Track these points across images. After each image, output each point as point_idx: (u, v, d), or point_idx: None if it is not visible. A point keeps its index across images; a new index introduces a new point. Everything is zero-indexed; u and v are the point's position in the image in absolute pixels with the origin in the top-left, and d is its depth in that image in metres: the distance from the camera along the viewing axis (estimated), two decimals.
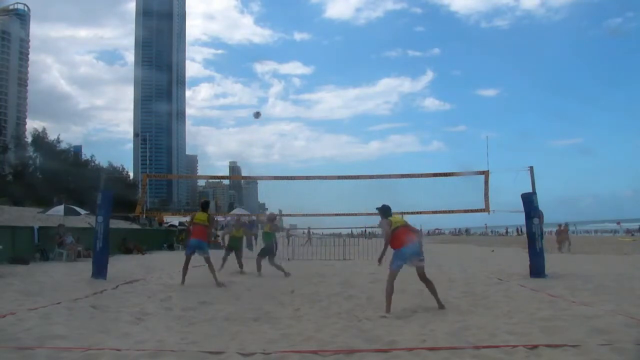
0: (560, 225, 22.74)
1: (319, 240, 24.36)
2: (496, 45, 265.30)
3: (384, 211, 6.94)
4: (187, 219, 33.46)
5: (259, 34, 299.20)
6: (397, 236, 6.64)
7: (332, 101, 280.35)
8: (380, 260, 6.96)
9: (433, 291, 6.81)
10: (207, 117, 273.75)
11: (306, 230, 29.30)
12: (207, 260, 9.59)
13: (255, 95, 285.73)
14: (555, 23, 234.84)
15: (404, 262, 6.67)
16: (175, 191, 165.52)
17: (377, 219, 7.21)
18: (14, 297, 7.48)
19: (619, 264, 13.99)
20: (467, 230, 71.43)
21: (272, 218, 12.65)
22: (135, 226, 31.21)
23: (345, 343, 4.75)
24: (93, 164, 49.69)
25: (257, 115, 12.91)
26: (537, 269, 10.13)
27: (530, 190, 10.71)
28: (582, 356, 4.10)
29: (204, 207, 10.31)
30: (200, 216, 9.85)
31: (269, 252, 11.66)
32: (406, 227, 6.80)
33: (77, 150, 56.68)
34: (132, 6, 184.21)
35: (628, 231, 45.82)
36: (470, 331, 5.12)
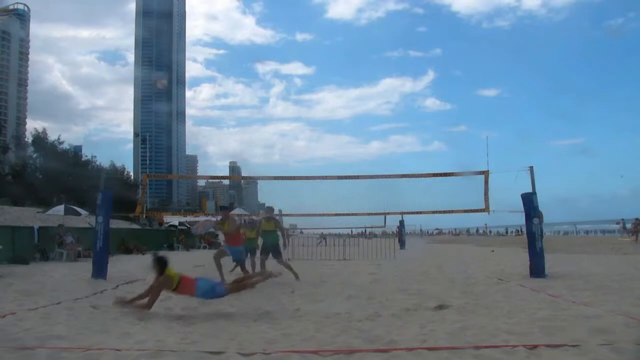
0: (638, 219, 23.17)
1: (317, 240, 24.40)
2: (497, 46, 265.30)
3: None
4: (186, 219, 33.53)
5: (260, 35, 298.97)
6: None
7: (333, 101, 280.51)
8: None
9: None
10: (208, 117, 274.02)
11: (320, 232, 29.25)
12: None
13: (256, 96, 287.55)
14: (557, 23, 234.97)
15: None
16: (175, 191, 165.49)
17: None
18: (14, 297, 7.48)
19: (619, 264, 13.98)
20: (476, 232, 70.29)
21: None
22: (135, 226, 31.24)
23: (345, 343, 4.75)
24: (93, 164, 49.67)
25: (160, 84, 12.62)
26: (537, 269, 10.14)
27: (530, 190, 10.71)
28: (582, 356, 4.10)
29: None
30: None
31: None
32: None
33: (78, 150, 56.68)
34: (133, 6, 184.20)
35: (626, 229, 45.53)
36: (470, 331, 5.12)
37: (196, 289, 6.59)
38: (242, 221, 12.73)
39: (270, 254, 10.66)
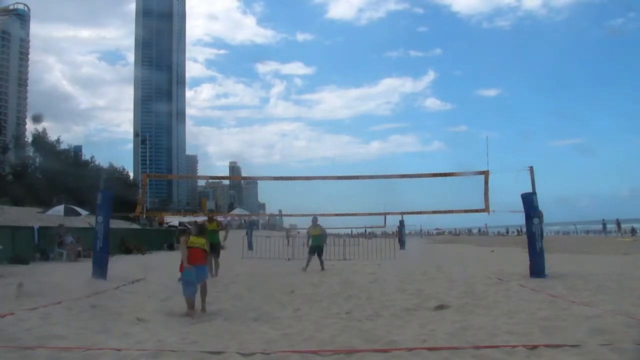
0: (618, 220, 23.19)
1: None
2: (497, 46, 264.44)
3: None
4: (187, 219, 33.55)
5: (261, 35, 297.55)
6: None
7: (334, 101, 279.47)
8: None
9: None
10: (208, 117, 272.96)
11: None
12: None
13: (256, 96, 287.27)
14: (557, 23, 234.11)
15: None
16: (175, 191, 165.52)
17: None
18: (14, 297, 7.47)
19: (619, 264, 13.98)
20: (478, 232, 69.72)
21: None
22: (135, 226, 31.23)
23: (345, 343, 4.75)
24: (93, 164, 49.65)
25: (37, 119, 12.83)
26: (537, 269, 10.14)
27: (530, 190, 10.71)
28: (582, 356, 4.10)
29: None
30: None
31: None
32: None
33: (78, 150, 56.62)
34: (133, 6, 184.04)
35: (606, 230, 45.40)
36: (470, 331, 5.12)
37: (195, 268, 6.63)
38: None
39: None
